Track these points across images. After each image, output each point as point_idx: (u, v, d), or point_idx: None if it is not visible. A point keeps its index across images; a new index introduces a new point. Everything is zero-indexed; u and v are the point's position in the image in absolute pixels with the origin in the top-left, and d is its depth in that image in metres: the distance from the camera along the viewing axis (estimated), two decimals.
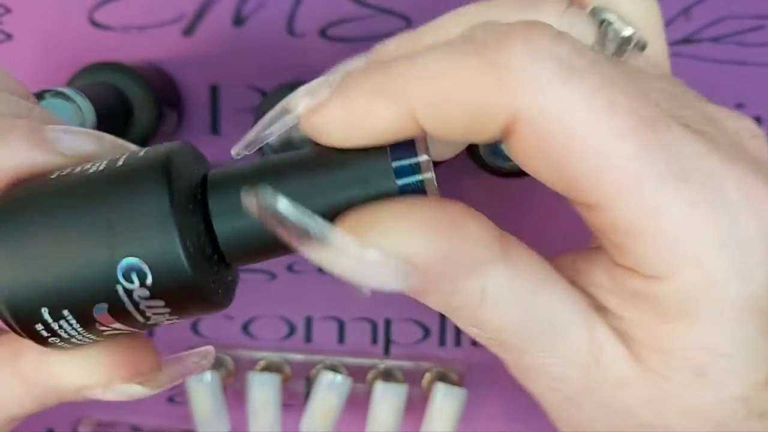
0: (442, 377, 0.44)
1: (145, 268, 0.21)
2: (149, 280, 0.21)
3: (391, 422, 0.43)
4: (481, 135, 0.20)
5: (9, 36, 0.42)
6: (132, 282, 0.21)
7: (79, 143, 0.23)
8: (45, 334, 0.23)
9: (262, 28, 0.41)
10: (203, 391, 0.43)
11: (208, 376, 0.43)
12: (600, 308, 0.22)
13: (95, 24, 0.41)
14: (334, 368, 0.45)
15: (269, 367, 0.45)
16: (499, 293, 0.21)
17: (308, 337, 0.45)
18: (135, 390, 0.24)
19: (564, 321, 0.21)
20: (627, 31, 0.24)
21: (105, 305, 0.22)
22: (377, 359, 0.45)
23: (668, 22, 0.42)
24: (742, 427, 0.22)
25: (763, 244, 0.20)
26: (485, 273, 0.21)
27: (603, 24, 0.24)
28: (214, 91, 0.42)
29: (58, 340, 0.23)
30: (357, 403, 0.45)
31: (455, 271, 0.21)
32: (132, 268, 0.21)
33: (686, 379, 0.21)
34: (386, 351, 0.46)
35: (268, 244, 0.22)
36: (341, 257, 0.20)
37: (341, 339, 0.45)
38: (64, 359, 0.24)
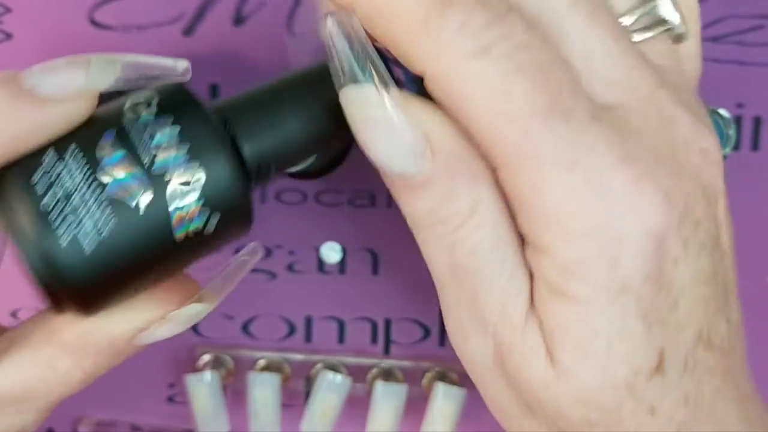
0: (442, 377, 0.44)
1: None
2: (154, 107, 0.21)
3: (391, 422, 0.43)
4: (407, 64, 0.22)
5: (9, 35, 0.42)
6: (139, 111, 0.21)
7: (65, 79, 0.22)
8: (41, 190, 0.21)
9: (263, 27, 0.41)
10: (203, 391, 0.43)
11: (208, 375, 0.43)
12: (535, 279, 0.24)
13: (95, 23, 0.41)
14: (334, 368, 0.45)
15: (269, 367, 0.45)
16: (487, 215, 0.23)
17: (308, 337, 0.45)
18: (194, 310, 0.24)
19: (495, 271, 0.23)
20: (669, 15, 0.25)
21: (113, 131, 0.21)
22: (377, 359, 0.45)
23: None
24: (634, 423, 0.23)
25: (639, 240, 0.22)
26: (483, 190, 0.23)
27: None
28: (214, 90, 0.42)
29: (55, 203, 0.21)
30: (357, 403, 0.45)
31: (461, 174, 0.22)
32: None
33: (572, 357, 0.23)
34: (386, 351, 0.46)
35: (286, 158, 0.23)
36: (374, 107, 0.22)
37: (341, 339, 0.45)
38: (109, 314, 0.23)
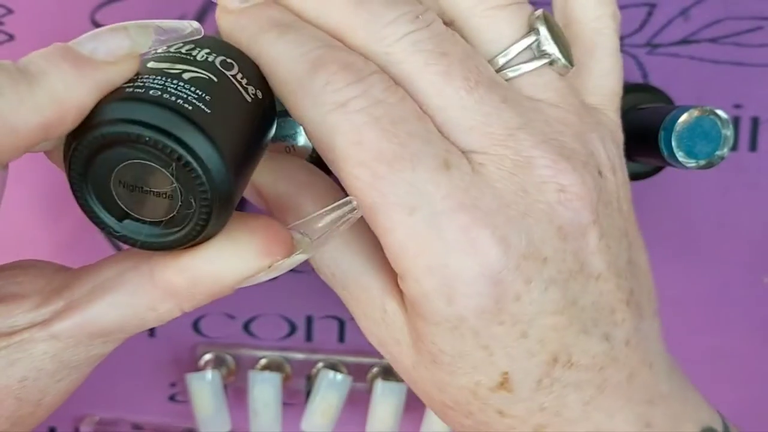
0: None
1: None
2: None
3: (391, 421, 0.43)
4: (291, 113, 0.27)
5: (11, 37, 0.42)
6: None
7: (113, 44, 0.25)
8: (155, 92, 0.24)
9: None
10: (204, 390, 0.43)
11: (209, 374, 0.43)
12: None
13: (97, 25, 0.42)
14: (334, 367, 0.45)
15: (270, 366, 0.45)
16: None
17: (309, 336, 0.46)
18: (297, 259, 0.25)
19: (363, 287, 0.28)
20: (548, 48, 0.27)
21: None
22: (377, 358, 0.45)
23: (667, 23, 0.42)
24: (484, 417, 0.27)
25: (472, 280, 0.25)
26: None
27: (533, 31, 0.27)
28: None
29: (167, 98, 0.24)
30: (357, 402, 0.45)
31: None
32: None
33: (427, 361, 0.27)
34: None
35: None
36: None
37: (341, 338, 0.46)
38: (221, 263, 0.24)
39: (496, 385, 0.26)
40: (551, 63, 0.27)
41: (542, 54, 0.27)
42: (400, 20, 0.25)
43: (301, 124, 0.26)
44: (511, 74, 0.27)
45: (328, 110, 0.25)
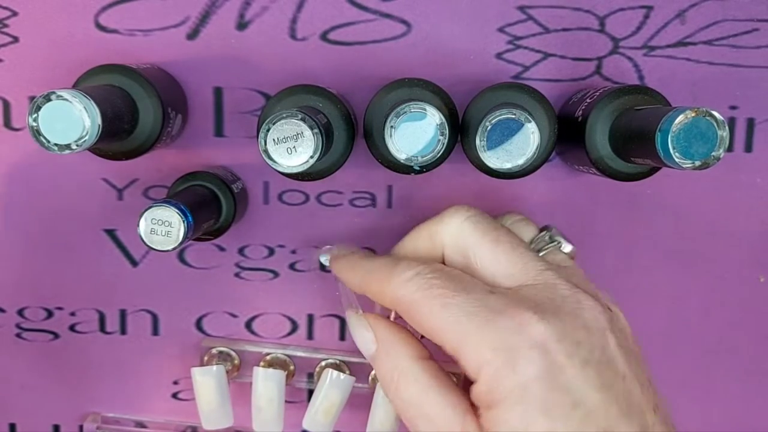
0: None
1: None
2: None
3: (392, 421, 0.43)
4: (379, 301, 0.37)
5: (16, 39, 0.42)
6: None
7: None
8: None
9: (265, 32, 0.42)
10: (209, 384, 0.43)
11: (214, 368, 0.43)
12: (475, 407, 0.34)
13: (101, 27, 0.42)
14: (337, 366, 0.45)
15: (273, 364, 0.45)
16: (409, 378, 0.35)
17: (310, 335, 0.46)
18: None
19: (441, 415, 0.34)
20: (559, 238, 0.39)
21: None
22: None
23: (663, 25, 0.42)
24: None
25: (527, 349, 0.32)
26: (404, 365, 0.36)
27: (546, 230, 0.39)
28: (218, 93, 0.42)
29: None
30: (358, 402, 0.45)
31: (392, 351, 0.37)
32: None
33: None
34: None
35: None
36: (351, 319, 0.38)
37: (342, 336, 0.46)
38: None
39: None
40: (559, 247, 0.39)
41: (554, 242, 0.39)
42: None
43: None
44: (538, 253, 0.38)
45: (409, 291, 0.35)
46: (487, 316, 0.33)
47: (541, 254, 0.38)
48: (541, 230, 0.40)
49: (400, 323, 0.38)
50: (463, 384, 0.37)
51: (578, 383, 0.31)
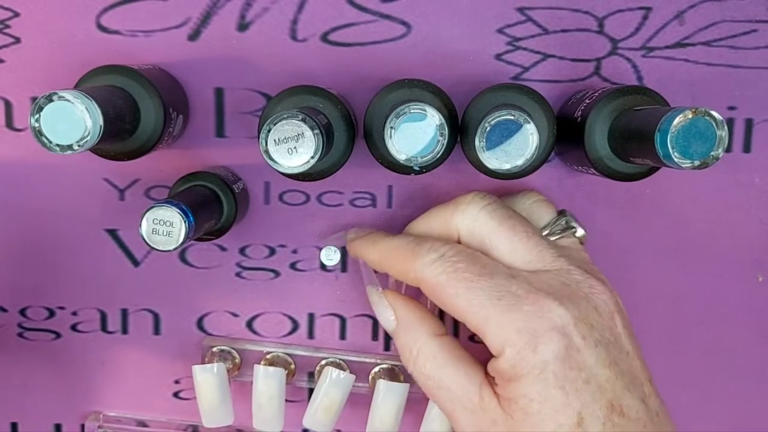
0: None
1: None
2: None
3: (392, 420, 0.43)
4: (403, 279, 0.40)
5: (17, 39, 0.42)
6: None
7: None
8: None
9: (266, 33, 0.42)
10: (210, 381, 0.43)
11: (215, 366, 0.43)
12: (490, 377, 0.38)
13: (102, 28, 0.42)
14: (337, 365, 0.45)
15: (274, 362, 0.45)
16: (427, 354, 0.39)
17: (310, 334, 0.46)
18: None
19: (458, 386, 0.38)
20: (573, 224, 0.41)
21: None
22: (379, 358, 0.45)
23: (662, 26, 0.42)
24: None
25: (548, 331, 0.35)
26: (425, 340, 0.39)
27: (562, 215, 0.42)
28: (219, 94, 0.43)
29: None
30: (358, 401, 0.45)
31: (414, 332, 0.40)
32: None
33: (520, 417, 0.36)
34: (386, 347, 0.46)
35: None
36: (373, 296, 0.42)
37: (342, 335, 0.46)
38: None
39: (575, 424, 0.35)
40: (574, 233, 0.41)
41: (568, 228, 0.41)
42: None
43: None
44: (552, 237, 0.41)
45: (434, 269, 0.38)
46: (510, 300, 0.36)
47: (554, 239, 0.41)
48: (559, 213, 0.42)
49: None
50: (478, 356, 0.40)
51: (591, 361, 0.35)
